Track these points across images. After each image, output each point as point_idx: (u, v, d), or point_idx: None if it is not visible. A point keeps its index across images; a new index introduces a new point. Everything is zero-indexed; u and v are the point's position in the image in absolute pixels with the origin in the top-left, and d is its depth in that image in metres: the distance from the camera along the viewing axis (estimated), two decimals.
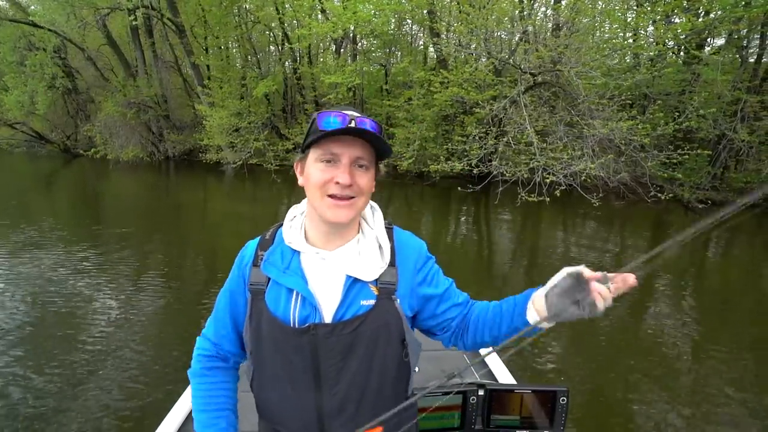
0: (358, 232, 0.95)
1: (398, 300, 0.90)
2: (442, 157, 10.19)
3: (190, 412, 1.93)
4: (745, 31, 10.80)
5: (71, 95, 19.41)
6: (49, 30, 15.54)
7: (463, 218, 9.48)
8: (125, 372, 3.31)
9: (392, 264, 0.92)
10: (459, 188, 9.03)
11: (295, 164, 0.92)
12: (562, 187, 7.75)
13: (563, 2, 10.85)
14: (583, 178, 7.91)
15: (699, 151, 8.41)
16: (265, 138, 14.09)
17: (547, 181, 7.66)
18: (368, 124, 0.82)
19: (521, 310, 0.85)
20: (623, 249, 7.35)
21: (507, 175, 8.30)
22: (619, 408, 3.07)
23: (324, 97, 13.66)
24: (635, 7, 10.97)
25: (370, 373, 0.89)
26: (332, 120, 0.81)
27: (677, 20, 9.94)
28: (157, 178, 14.58)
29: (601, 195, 7.78)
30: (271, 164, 13.29)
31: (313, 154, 0.86)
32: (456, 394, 1.28)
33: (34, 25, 15.56)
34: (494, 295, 0.88)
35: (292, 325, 0.87)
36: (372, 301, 0.88)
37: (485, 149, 9.14)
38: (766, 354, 3.82)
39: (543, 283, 0.84)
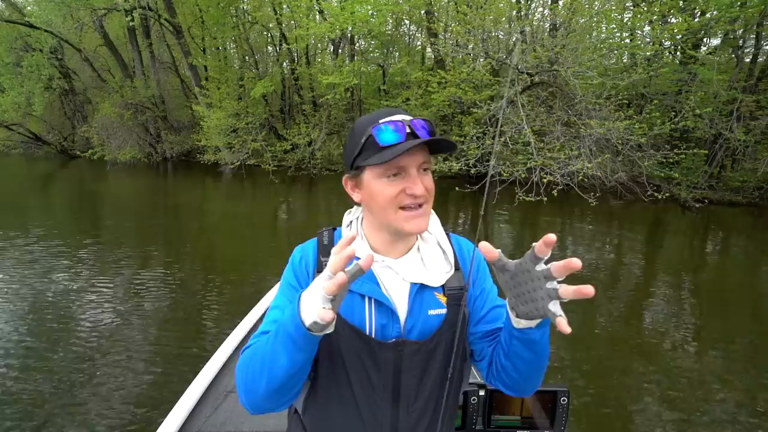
0: (417, 238, 0.92)
1: (466, 306, 0.88)
2: (440, 157, 10.21)
3: (191, 412, 1.94)
4: (740, 31, 10.88)
5: (68, 96, 19.36)
6: (46, 31, 15.50)
7: (461, 218, 9.49)
8: (124, 373, 3.30)
9: (457, 268, 0.90)
10: (457, 188, 9.04)
11: (344, 180, 0.89)
12: (560, 187, 7.77)
13: (560, 2, 10.88)
14: (580, 177, 7.94)
15: (695, 151, 8.45)
16: (263, 139, 14.09)
17: (545, 181, 7.68)
18: (426, 127, 0.79)
19: (507, 315, 0.76)
20: (621, 248, 7.37)
21: (504, 175, 8.31)
22: (619, 408, 3.08)
23: (322, 97, 13.67)
24: (632, 8, 11.01)
25: (443, 383, 0.86)
26: (390, 133, 0.77)
27: (673, 20, 9.99)
28: (154, 179, 14.54)
29: (598, 194, 7.80)
30: (269, 165, 13.29)
31: (373, 171, 0.81)
32: None
33: (31, 26, 15.51)
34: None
35: (369, 334, 0.84)
36: (441, 311, 0.86)
37: (483, 149, 9.16)
38: (765, 353, 3.85)
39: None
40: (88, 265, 5.70)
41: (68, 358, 3.52)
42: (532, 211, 8.70)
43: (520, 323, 0.73)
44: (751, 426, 2.89)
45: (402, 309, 0.85)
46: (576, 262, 0.60)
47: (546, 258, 0.63)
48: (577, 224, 8.85)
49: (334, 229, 0.96)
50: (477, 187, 8.69)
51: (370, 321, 0.84)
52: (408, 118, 0.80)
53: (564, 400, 1.28)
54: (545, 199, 7.50)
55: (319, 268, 0.89)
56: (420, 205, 0.81)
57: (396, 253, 0.89)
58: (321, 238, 0.94)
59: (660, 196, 7.71)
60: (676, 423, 2.91)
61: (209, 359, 2.24)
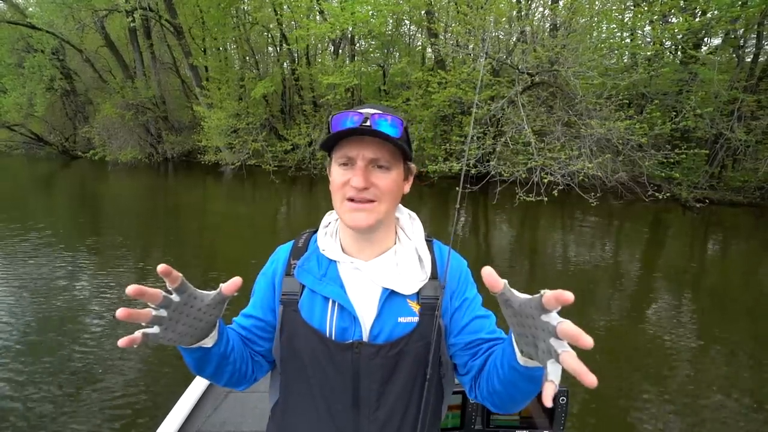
0: (396, 242, 0.89)
1: (441, 317, 0.83)
2: (440, 158, 10.20)
3: (191, 411, 1.94)
4: (741, 30, 10.86)
5: (69, 97, 19.40)
6: (48, 32, 15.53)
7: (461, 218, 9.49)
8: (124, 373, 3.31)
9: (434, 277, 0.85)
10: (456, 188, 9.01)
11: (327, 168, 0.88)
12: (560, 187, 7.75)
13: (561, 2, 10.88)
14: (580, 177, 7.92)
15: (696, 151, 8.43)
16: (263, 139, 14.10)
17: (545, 181, 7.67)
18: (389, 122, 0.76)
19: (510, 348, 0.66)
20: (621, 248, 7.36)
21: (505, 175, 8.29)
22: (618, 408, 3.08)
23: (322, 98, 13.67)
24: (632, 7, 11.00)
25: (411, 396, 0.82)
26: (345, 121, 0.77)
27: (674, 20, 9.97)
28: (155, 179, 14.56)
29: (599, 194, 7.78)
30: (270, 165, 13.29)
31: (333, 157, 0.82)
32: (456, 394, 1.29)
33: (32, 27, 15.56)
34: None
35: (329, 337, 0.81)
36: (413, 319, 0.82)
37: (483, 149, 9.15)
38: (765, 353, 3.84)
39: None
40: (88, 265, 5.71)
41: (68, 357, 3.52)
42: (533, 211, 8.69)
43: (525, 362, 0.63)
44: (752, 425, 2.88)
45: (369, 314, 0.82)
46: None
47: (555, 311, 0.53)
48: (578, 224, 8.84)
49: (315, 231, 0.94)
50: (477, 187, 8.68)
51: (330, 324, 0.82)
52: (372, 111, 0.77)
53: (563, 400, 1.28)
54: (546, 199, 7.48)
55: (288, 271, 0.88)
56: (367, 201, 0.79)
57: (367, 254, 0.86)
58: (298, 240, 0.93)
59: (661, 196, 7.69)
60: (676, 422, 2.91)
61: None
